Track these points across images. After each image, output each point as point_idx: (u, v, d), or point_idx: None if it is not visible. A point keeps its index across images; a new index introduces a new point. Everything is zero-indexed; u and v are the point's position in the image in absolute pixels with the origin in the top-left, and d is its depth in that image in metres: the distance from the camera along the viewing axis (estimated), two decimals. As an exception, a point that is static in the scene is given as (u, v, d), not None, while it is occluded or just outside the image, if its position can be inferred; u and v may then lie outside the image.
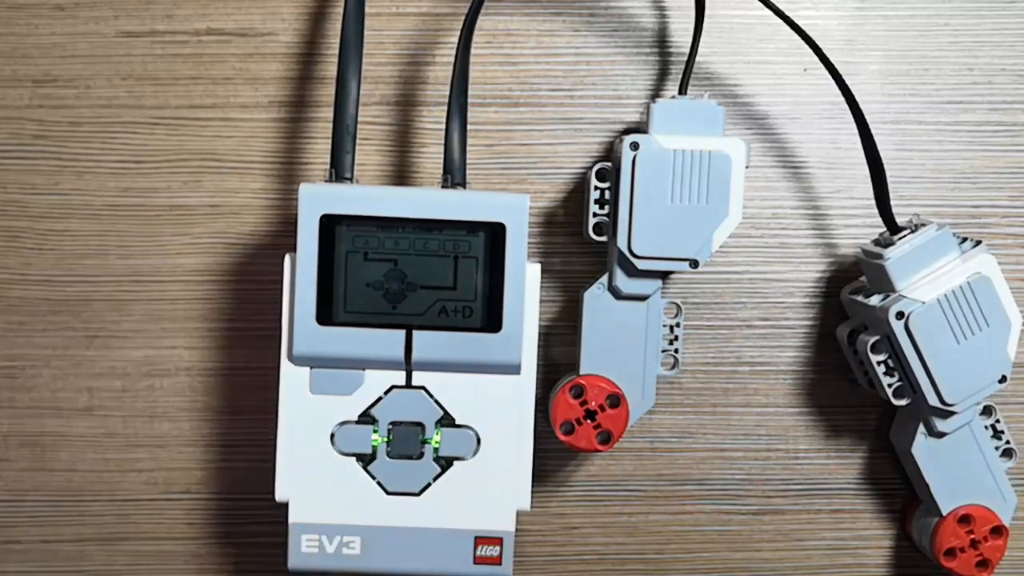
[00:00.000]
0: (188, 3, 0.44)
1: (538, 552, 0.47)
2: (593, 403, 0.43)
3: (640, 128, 0.44)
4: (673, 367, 0.44)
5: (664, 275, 0.43)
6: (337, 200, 0.39)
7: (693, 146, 0.41)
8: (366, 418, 0.40)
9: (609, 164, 0.43)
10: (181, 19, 0.44)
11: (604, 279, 0.43)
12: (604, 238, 0.43)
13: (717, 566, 0.47)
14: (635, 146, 0.41)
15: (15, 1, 0.44)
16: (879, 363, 0.42)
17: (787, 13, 0.42)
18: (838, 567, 0.47)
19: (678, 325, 0.44)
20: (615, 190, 0.42)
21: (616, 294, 0.43)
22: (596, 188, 0.43)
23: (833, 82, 0.42)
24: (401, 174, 0.45)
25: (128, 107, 0.45)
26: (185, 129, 0.45)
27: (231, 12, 0.45)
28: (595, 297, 0.43)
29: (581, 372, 0.43)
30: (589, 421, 0.43)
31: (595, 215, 0.43)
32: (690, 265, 0.42)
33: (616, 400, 0.43)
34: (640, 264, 0.42)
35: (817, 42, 0.42)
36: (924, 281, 0.41)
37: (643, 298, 0.43)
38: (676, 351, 0.44)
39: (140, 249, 0.45)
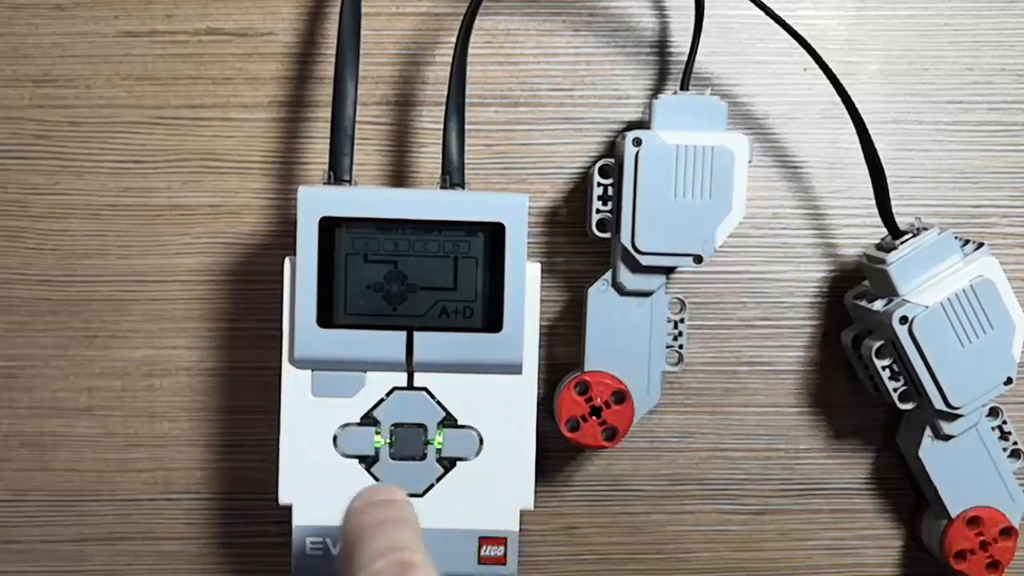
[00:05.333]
0: (188, 3, 0.44)
1: (538, 552, 0.47)
2: (598, 399, 0.43)
3: (642, 125, 0.44)
4: (677, 363, 0.44)
5: (668, 271, 0.43)
6: (336, 202, 0.39)
7: (696, 141, 0.41)
8: (368, 420, 0.40)
9: (612, 160, 0.43)
10: (181, 19, 0.44)
11: (608, 275, 0.43)
12: (607, 234, 0.43)
13: (717, 566, 0.47)
14: (638, 142, 0.41)
15: (15, 1, 0.44)
16: (884, 368, 0.42)
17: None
18: (838, 567, 0.48)
19: (682, 321, 0.44)
20: (618, 186, 0.42)
21: (620, 290, 0.43)
22: (599, 184, 0.43)
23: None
24: (401, 174, 0.45)
25: (128, 107, 0.45)
26: (185, 129, 0.45)
27: (231, 12, 0.44)
28: (599, 293, 0.43)
29: (585, 369, 0.43)
30: (594, 418, 0.43)
31: (598, 211, 0.43)
32: (694, 260, 0.42)
33: (621, 396, 0.43)
34: (644, 260, 0.42)
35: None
36: (927, 285, 0.41)
37: (647, 294, 0.43)
38: (680, 347, 0.44)
39: (140, 249, 0.45)
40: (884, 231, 0.43)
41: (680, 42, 0.45)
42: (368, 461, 0.40)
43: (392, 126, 0.45)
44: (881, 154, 0.42)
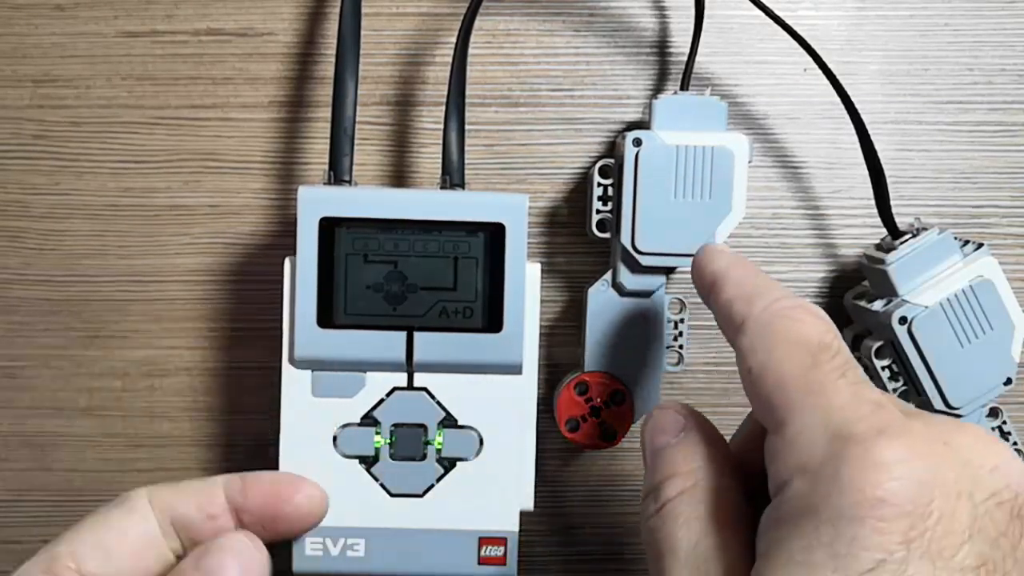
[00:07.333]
0: (188, 3, 0.44)
1: (538, 552, 0.47)
2: (598, 400, 0.43)
3: (642, 125, 0.44)
4: (678, 363, 0.44)
5: (668, 271, 0.43)
6: (336, 202, 0.38)
7: (696, 142, 0.41)
8: (368, 420, 0.40)
9: (612, 160, 0.43)
10: (181, 19, 0.44)
11: (608, 276, 0.43)
12: (607, 235, 0.43)
13: (717, 566, 0.47)
14: (638, 142, 0.41)
15: (15, 1, 0.44)
16: (883, 368, 0.42)
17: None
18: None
19: (682, 321, 0.44)
20: (618, 186, 0.42)
21: (620, 291, 0.43)
22: (599, 185, 0.43)
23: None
24: (401, 174, 0.45)
25: (128, 107, 0.45)
26: (185, 129, 0.45)
27: (231, 12, 0.44)
28: (599, 294, 0.43)
29: (585, 369, 0.43)
30: (594, 418, 0.43)
31: (598, 212, 0.43)
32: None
33: (621, 397, 0.43)
34: (644, 260, 0.42)
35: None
36: (927, 285, 0.41)
37: (647, 294, 0.43)
38: (680, 347, 0.44)
39: (140, 249, 0.45)
40: (884, 231, 0.43)
41: (680, 42, 0.45)
42: (368, 461, 0.40)
43: (392, 126, 0.45)
44: (881, 154, 0.42)
